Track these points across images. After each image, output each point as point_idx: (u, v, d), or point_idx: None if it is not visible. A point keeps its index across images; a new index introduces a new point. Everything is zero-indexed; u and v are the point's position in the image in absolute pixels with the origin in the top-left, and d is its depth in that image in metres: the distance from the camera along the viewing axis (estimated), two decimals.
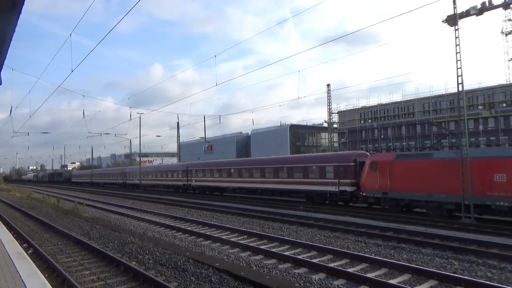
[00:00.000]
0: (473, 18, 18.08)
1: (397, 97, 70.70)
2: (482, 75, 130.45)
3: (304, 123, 76.82)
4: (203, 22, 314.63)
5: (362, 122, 72.62)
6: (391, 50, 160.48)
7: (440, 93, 60.39)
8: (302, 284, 7.87)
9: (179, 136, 65.99)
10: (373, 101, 72.03)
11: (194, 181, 38.00)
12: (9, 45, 8.82)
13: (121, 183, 58.40)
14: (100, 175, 73.93)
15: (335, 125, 70.21)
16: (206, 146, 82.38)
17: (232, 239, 13.18)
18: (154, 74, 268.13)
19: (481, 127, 55.54)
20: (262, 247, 11.79)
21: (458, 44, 17.24)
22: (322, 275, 8.71)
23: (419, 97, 63.68)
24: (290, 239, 12.83)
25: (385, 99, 70.93)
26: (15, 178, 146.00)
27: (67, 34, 17.39)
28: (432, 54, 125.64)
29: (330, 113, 59.50)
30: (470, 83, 62.52)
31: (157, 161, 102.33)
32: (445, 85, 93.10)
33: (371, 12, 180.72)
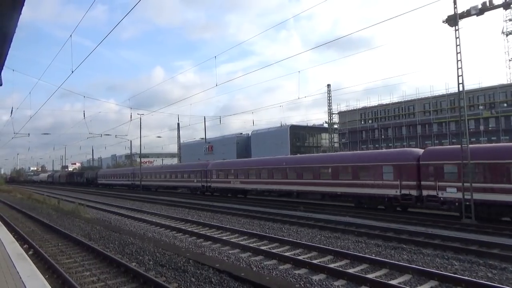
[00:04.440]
0: (473, 18, 18.08)
1: (392, 99, 70.55)
2: (483, 75, 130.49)
3: (303, 124, 76.89)
4: (202, 29, 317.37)
5: (362, 122, 72.65)
6: (384, 53, 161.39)
7: (441, 93, 60.43)
8: (303, 285, 7.86)
9: (179, 137, 66.07)
10: (369, 102, 71.85)
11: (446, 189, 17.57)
12: (10, 45, 8.84)
13: (199, 187, 37.67)
14: (152, 174, 51.08)
15: (335, 126, 70.22)
16: (207, 146, 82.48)
17: (232, 240, 13.17)
18: (156, 76, 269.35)
19: (482, 127, 55.51)
20: (262, 247, 11.78)
21: (459, 45, 17.23)
22: (322, 276, 8.70)
23: (420, 97, 63.74)
24: (291, 239, 12.82)
25: (380, 100, 70.81)
26: (24, 179, 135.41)
27: (70, 39, 17.29)
28: (426, 55, 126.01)
29: (330, 113, 59.46)
30: (471, 83, 62.43)
31: (157, 162, 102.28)
32: (446, 85, 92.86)
33: (363, 18, 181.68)
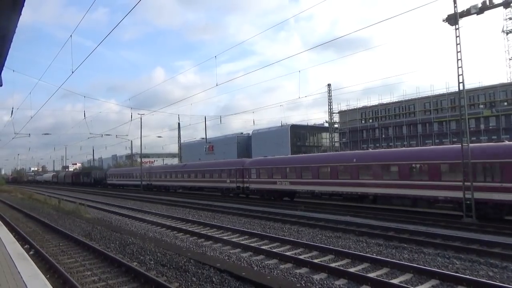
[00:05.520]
0: (473, 17, 18.04)
1: (392, 98, 70.51)
2: (483, 74, 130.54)
3: (303, 124, 77.03)
4: (202, 31, 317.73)
5: (363, 122, 72.69)
6: (383, 53, 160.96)
7: (441, 92, 60.45)
8: (304, 284, 7.85)
9: (180, 137, 66.11)
10: (369, 101, 71.90)
11: None
12: (10, 46, 8.86)
13: (233, 188, 32.48)
14: (172, 173, 44.20)
15: (336, 125, 70.27)
16: (207, 146, 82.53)
17: (233, 240, 13.17)
18: (157, 77, 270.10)
19: (482, 126, 55.54)
20: (263, 247, 11.78)
21: (459, 43, 17.22)
22: (323, 275, 8.70)
23: (420, 96, 63.76)
24: (291, 239, 12.82)
25: (380, 100, 70.91)
26: (27, 179, 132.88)
27: (71, 40, 17.38)
28: (426, 55, 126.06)
29: (331, 112, 59.45)
30: (471, 82, 62.43)
31: (158, 162, 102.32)
32: (446, 84, 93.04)
33: (362, 18, 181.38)
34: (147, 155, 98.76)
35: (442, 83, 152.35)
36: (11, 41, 8.46)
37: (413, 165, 19.56)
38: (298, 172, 26.15)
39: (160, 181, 46.84)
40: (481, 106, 57.00)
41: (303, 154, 40.35)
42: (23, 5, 6.37)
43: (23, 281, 6.43)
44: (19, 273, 6.94)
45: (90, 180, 70.15)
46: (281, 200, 27.46)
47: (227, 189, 33.60)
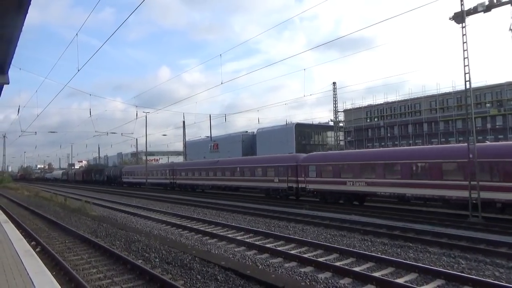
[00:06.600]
0: (480, 15, 17.86)
1: (397, 97, 70.05)
2: (490, 72, 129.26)
3: (307, 122, 76.94)
4: (207, 31, 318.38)
5: (368, 120, 72.44)
6: (387, 52, 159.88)
7: (447, 91, 60.05)
8: (308, 283, 7.85)
9: (185, 135, 66.18)
10: (374, 100, 71.51)
11: None
12: (16, 45, 8.95)
13: (284, 188, 26.89)
14: (200, 171, 38.52)
15: (341, 124, 70.09)
16: (212, 144, 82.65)
17: (238, 238, 13.18)
18: (162, 76, 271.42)
19: (489, 125, 55.10)
20: (268, 245, 11.78)
21: (466, 42, 17.08)
22: (328, 274, 8.69)
23: (426, 95, 63.37)
24: (296, 237, 12.81)
25: (385, 98, 70.47)
26: (36, 177, 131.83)
27: (78, 39, 17.53)
28: (431, 53, 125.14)
29: (336, 111, 59.23)
30: (478, 81, 61.95)
31: (163, 160, 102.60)
32: (452, 82, 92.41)
33: (366, 18, 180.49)
34: (152, 153, 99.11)
35: (448, 81, 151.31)
36: (18, 41, 8.56)
37: None
38: (379, 170, 20.71)
39: (186, 180, 41.31)
40: (488, 105, 56.56)
41: (387, 148, 31.48)
42: (28, 7, 6.47)
43: (30, 277, 6.48)
44: (25, 269, 6.99)
45: (102, 178, 66.30)
46: (350, 204, 22.12)
47: (275, 190, 28.00)
